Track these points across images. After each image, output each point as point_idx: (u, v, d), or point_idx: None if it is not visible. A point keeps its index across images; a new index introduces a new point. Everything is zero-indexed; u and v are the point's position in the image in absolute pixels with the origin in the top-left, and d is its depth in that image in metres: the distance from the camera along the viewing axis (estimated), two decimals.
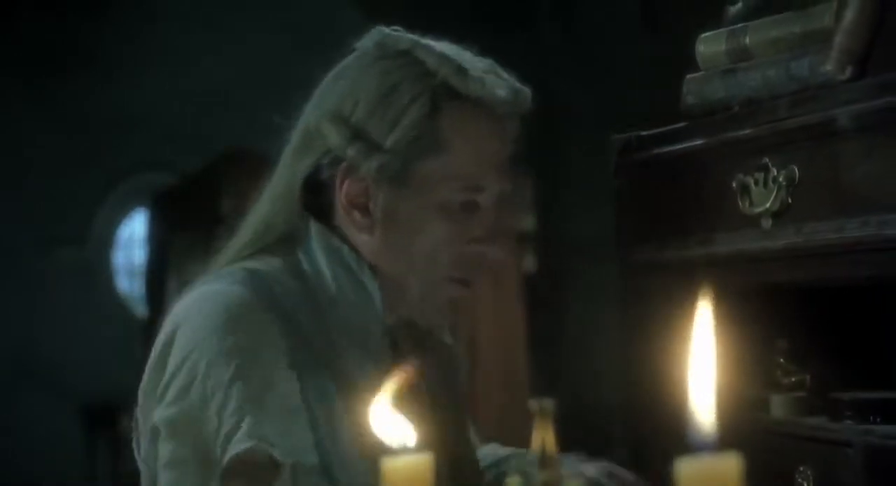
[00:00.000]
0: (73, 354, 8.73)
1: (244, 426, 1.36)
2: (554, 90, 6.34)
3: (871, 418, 1.65)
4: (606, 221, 2.12)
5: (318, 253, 1.50)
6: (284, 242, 1.54)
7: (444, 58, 1.48)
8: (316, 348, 1.45)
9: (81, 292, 9.06)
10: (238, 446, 1.36)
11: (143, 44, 8.69)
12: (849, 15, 1.55)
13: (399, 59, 1.48)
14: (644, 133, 1.96)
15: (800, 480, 1.68)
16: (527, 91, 1.52)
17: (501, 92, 1.49)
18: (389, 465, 0.82)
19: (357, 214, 1.48)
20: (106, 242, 9.63)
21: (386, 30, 1.53)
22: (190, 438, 1.41)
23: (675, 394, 0.82)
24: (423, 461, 0.82)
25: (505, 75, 1.53)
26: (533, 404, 0.72)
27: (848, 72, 1.57)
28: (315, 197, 1.52)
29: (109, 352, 8.41)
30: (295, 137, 1.57)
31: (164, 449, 1.42)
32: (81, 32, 8.57)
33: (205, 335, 1.42)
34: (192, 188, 6.97)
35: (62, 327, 8.84)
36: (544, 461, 0.74)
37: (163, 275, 7.09)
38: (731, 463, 0.66)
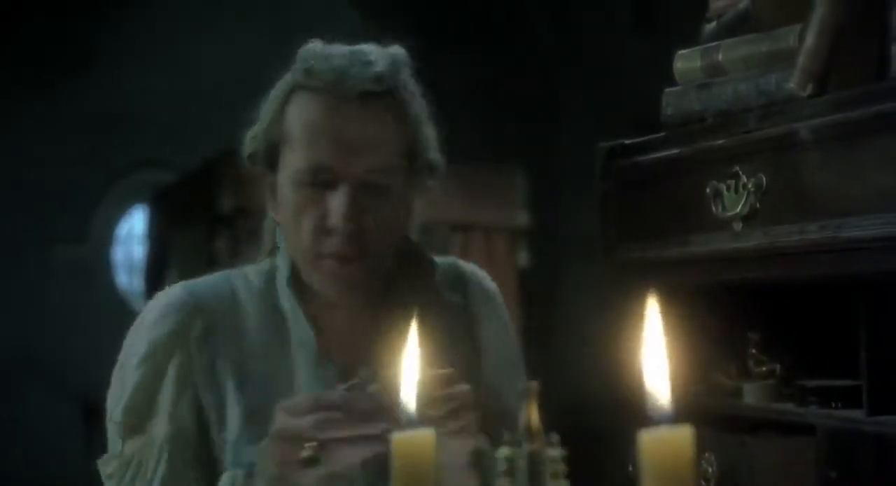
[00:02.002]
0: (74, 349, 8.73)
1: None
2: (549, 90, 6.40)
3: (833, 403, 1.76)
4: (598, 219, 2.18)
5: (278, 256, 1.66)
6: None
7: (300, 57, 1.59)
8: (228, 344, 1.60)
9: (82, 289, 9.11)
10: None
11: (143, 43, 8.70)
12: (809, 38, 1.66)
13: (292, 67, 1.62)
14: (627, 142, 2.07)
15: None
16: (365, 70, 1.56)
17: (328, 76, 1.55)
18: (398, 439, 0.90)
19: (270, 203, 1.64)
20: (106, 238, 9.68)
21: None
22: None
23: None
24: (427, 436, 0.90)
25: (361, 59, 1.58)
26: (523, 384, 0.84)
27: (808, 89, 1.68)
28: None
29: (109, 347, 8.54)
30: None
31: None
32: (81, 32, 8.58)
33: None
34: (192, 186, 6.99)
35: (63, 323, 8.86)
36: (530, 433, 0.84)
37: (163, 272, 7.03)
38: (685, 433, 0.73)
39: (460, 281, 1.74)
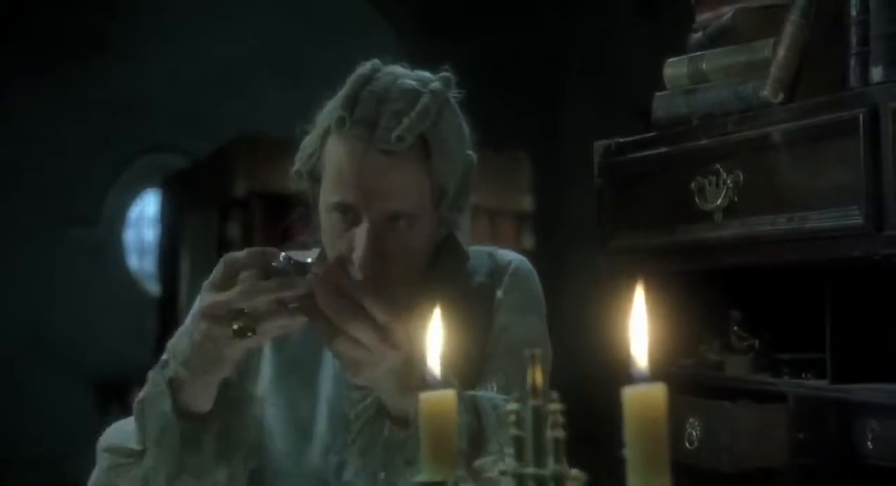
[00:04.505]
0: (86, 329, 8.82)
1: None
2: (553, 76, 6.41)
3: (803, 373, 1.94)
4: (595, 210, 2.30)
5: None
6: None
7: (342, 100, 1.58)
8: None
9: (93, 270, 9.13)
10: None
11: (155, 29, 8.68)
12: (781, 51, 1.84)
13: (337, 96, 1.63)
14: (621, 140, 2.23)
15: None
16: (397, 130, 1.52)
17: (357, 129, 1.54)
18: (425, 397, 0.99)
19: (315, 211, 1.67)
20: (117, 221, 9.70)
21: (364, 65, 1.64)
22: None
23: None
24: (450, 395, 1.00)
25: (392, 109, 1.54)
26: (526, 351, 1.00)
27: (780, 97, 1.85)
28: None
29: (120, 328, 8.54)
30: None
31: None
32: (94, 18, 8.57)
33: None
34: (205, 170, 7.00)
35: (75, 304, 8.90)
36: (535, 391, 0.93)
37: (175, 255, 7.13)
38: (659, 389, 0.83)
39: (496, 272, 1.73)
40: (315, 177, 1.62)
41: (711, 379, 2.11)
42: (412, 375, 1.41)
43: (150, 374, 1.52)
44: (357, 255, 1.53)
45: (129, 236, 9.90)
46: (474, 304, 1.65)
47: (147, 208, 9.84)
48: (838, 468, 1.83)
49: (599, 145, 2.26)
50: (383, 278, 1.53)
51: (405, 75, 1.60)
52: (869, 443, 1.77)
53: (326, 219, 1.59)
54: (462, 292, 1.64)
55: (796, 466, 1.89)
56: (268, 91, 8.55)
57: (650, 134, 2.17)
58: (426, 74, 1.63)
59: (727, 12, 2.05)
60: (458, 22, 6.38)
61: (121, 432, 1.57)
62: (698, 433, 2.00)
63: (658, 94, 2.16)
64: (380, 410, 1.51)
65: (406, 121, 1.53)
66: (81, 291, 8.97)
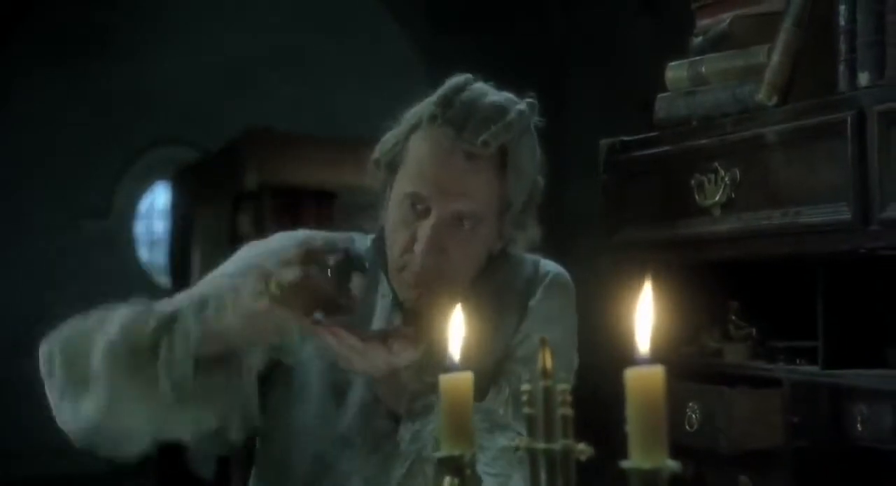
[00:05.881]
0: None
1: None
2: (559, 71, 6.42)
3: (797, 360, 2.01)
4: (600, 205, 2.35)
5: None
6: None
7: (439, 94, 1.66)
8: None
9: (104, 262, 9.09)
10: None
11: (166, 22, 8.64)
12: (775, 57, 1.91)
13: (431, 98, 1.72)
14: (625, 139, 2.30)
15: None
16: (484, 135, 1.59)
17: (446, 128, 1.60)
18: (445, 378, 1.05)
19: (384, 202, 1.72)
20: (127, 213, 9.68)
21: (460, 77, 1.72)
22: None
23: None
24: (467, 376, 1.06)
25: (481, 115, 1.61)
26: (536, 336, 1.08)
27: (774, 99, 1.92)
28: None
29: None
30: None
31: None
32: (104, 12, 8.53)
33: None
34: (216, 163, 6.94)
35: (86, 296, 8.76)
36: (545, 373, 1.00)
37: (186, 247, 7.11)
38: (658, 370, 0.88)
39: (533, 281, 1.77)
40: (392, 168, 1.68)
41: (710, 366, 2.17)
42: (405, 376, 1.51)
43: (180, 300, 1.59)
44: (419, 247, 1.61)
45: (140, 229, 9.87)
46: (505, 307, 1.71)
47: (157, 201, 9.81)
48: (829, 449, 1.89)
49: (604, 144, 2.32)
50: (437, 275, 1.61)
51: (495, 93, 1.68)
52: (858, 425, 1.83)
53: (396, 209, 1.66)
54: (496, 296, 1.71)
55: (790, 447, 1.95)
56: (277, 85, 8.55)
57: (652, 134, 2.23)
58: (513, 96, 1.70)
59: (725, 19, 2.11)
60: (464, 18, 6.38)
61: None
62: (698, 416, 2.05)
63: (660, 95, 2.22)
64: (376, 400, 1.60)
65: (493, 128, 1.60)
66: (92, 282, 8.52)
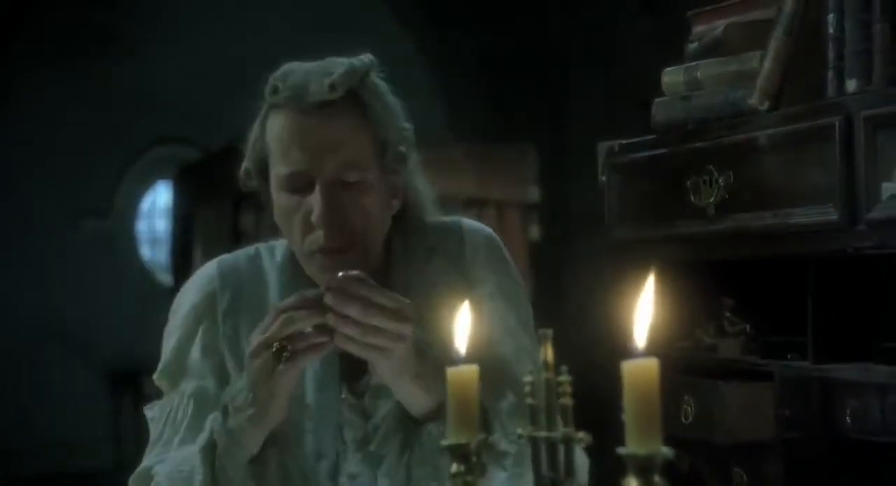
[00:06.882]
0: (98, 320, 8.81)
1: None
2: (559, 68, 6.37)
3: (788, 355, 2.05)
4: (600, 205, 2.40)
5: None
6: None
7: (269, 88, 1.66)
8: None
9: (106, 261, 9.15)
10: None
11: (167, 22, 8.66)
12: (766, 63, 1.97)
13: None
14: (624, 141, 2.36)
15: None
16: (321, 82, 1.59)
17: (290, 92, 1.59)
18: (451, 371, 1.09)
19: (271, 210, 1.71)
20: (129, 212, 9.72)
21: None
22: None
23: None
24: (472, 369, 1.09)
25: (319, 71, 1.61)
26: (539, 331, 1.12)
27: (765, 104, 1.98)
28: None
29: (132, 318, 8.35)
30: None
31: None
32: (106, 11, 8.54)
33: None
34: (218, 162, 6.69)
35: (87, 295, 8.87)
36: (546, 366, 1.04)
37: (188, 246, 7.09)
38: (652, 363, 0.91)
39: (459, 243, 1.74)
40: (262, 169, 1.66)
41: (705, 360, 2.21)
42: (417, 361, 1.52)
43: (210, 423, 1.60)
44: (316, 215, 1.58)
45: (141, 227, 9.90)
46: (442, 272, 1.71)
47: (159, 199, 9.83)
48: (820, 441, 1.94)
49: (603, 146, 2.38)
50: (346, 240, 1.59)
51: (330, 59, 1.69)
52: (847, 418, 1.87)
53: (281, 203, 1.63)
54: (427, 261, 1.72)
55: (782, 439, 2.00)
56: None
57: (650, 137, 2.29)
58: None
59: (720, 26, 2.16)
60: (464, 18, 6.44)
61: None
62: (693, 409, 2.10)
63: (657, 100, 2.28)
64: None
65: (335, 74, 1.60)
66: (94, 282, 8.97)
